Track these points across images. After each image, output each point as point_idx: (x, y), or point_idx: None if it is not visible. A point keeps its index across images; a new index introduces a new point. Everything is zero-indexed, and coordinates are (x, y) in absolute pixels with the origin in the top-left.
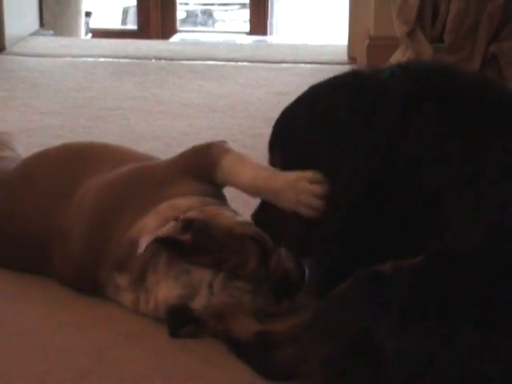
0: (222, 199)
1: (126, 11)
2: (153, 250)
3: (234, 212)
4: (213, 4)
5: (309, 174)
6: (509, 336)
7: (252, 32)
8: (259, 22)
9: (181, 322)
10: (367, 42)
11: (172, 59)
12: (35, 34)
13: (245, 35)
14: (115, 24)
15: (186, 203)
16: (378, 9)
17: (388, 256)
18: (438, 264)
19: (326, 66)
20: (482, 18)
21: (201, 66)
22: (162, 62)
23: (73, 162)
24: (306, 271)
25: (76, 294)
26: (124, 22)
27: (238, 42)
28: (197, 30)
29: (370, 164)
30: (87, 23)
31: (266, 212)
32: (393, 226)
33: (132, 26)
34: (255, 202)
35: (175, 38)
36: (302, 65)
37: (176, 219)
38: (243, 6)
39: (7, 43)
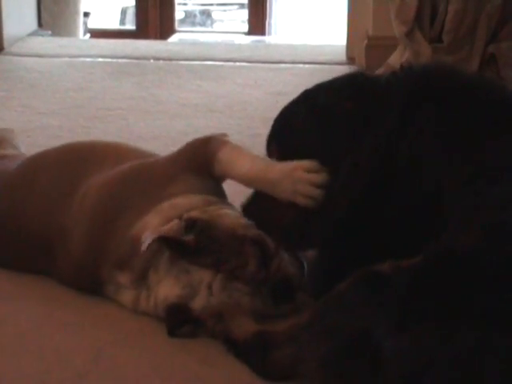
0: (222, 196)
1: (124, 11)
2: (155, 248)
3: (236, 210)
4: (211, 4)
5: (305, 163)
6: (508, 336)
7: (250, 32)
8: (258, 22)
9: (179, 321)
10: (366, 42)
11: (170, 59)
12: (33, 34)
13: (243, 35)
14: (113, 24)
15: (186, 202)
16: (377, 9)
17: (387, 256)
18: (437, 264)
19: (324, 66)
20: (480, 18)
21: (199, 66)
22: (161, 62)
23: (74, 161)
24: (306, 269)
25: (75, 293)
26: (122, 22)
27: (237, 42)
28: (195, 30)
29: (369, 164)
30: (85, 23)
31: (258, 203)
32: (392, 225)
33: (130, 26)
34: None
35: (173, 38)
36: (301, 65)
37: (179, 218)
38: (242, 6)
39: (5, 43)
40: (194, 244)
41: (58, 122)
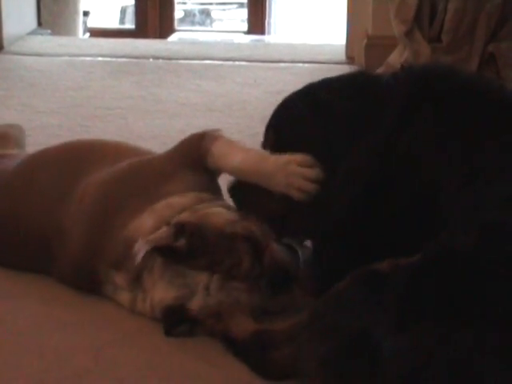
0: (217, 191)
1: (123, 10)
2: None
3: (227, 206)
4: (211, 3)
5: (299, 157)
6: (506, 336)
7: (250, 31)
8: (257, 21)
9: (176, 321)
10: (365, 41)
11: (170, 58)
12: (33, 33)
13: (243, 34)
14: (113, 23)
15: (181, 202)
16: (376, 8)
17: (385, 255)
18: (435, 263)
19: (323, 65)
20: (479, 17)
21: (199, 65)
22: (160, 61)
23: (73, 160)
24: (301, 258)
25: (74, 292)
26: (122, 21)
27: (236, 41)
28: (195, 29)
29: (368, 164)
30: (85, 22)
31: (245, 185)
32: (390, 225)
33: (130, 25)
34: None
35: (173, 38)
36: (300, 64)
37: (168, 224)
38: (241, 5)
39: (5, 42)
40: (185, 249)
41: (57, 121)
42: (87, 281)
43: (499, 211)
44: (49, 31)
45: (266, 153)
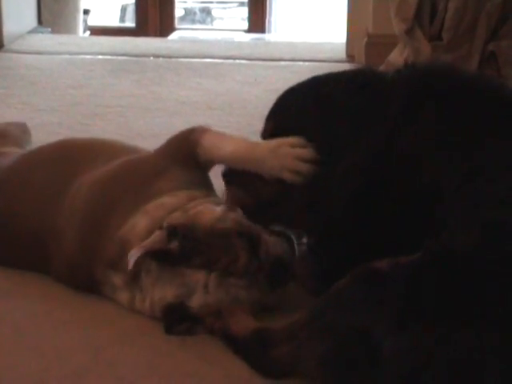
0: (209, 186)
1: (124, 9)
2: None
3: (218, 201)
4: (211, 2)
5: (291, 139)
6: (507, 335)
7: (250, 30)
8: (257, 19)
9: (176, 319)
10: (365, 39)
11: (170, 57)
12: (33, 31)
13: (243, 33)
14: (113, 22)
15: (173, 201)
16: (377, 7)
17: (386, 253)
18: (435, 262)
19: (324, 63)
20: (480, 16)
21: (199, 63)
22: (160, 59)
23: (67, 159)
24: (296, 248)
25: (73, 291)
26: (122, 19)
27: (236, 39)
28: (195, 27)
29: (368, 161)
30: (85, 21)
31: (238, 171)
32: (390, 223)
33: (130, 23)
34: None
35: (173, 36)
36: (300, 63)
37: (160, 228)
38: (241, 3)
39: (5, 41)
40: (178, 251)
41: (57, 119)
42: (84, 281)
43: (500, 210)
44: (49, 29)
45: (257, 141)
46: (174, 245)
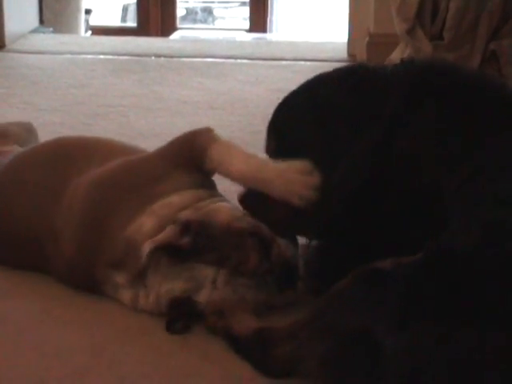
0: (212, 187)
1: (125, 8)
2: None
3: (226, 201)
4: (213, 1)
5: (299, 164)
6: (507, 335)
7: (252, 29)
8: (259, 19)
9: (181, 313)
10: (367, 39)
11: (172, 56)
12: (35, 31)
13: (244, 32)
14: (115, 21)
15: (180, 200)
16: (378, 6)
17: (387, 253)
18: (436, 262)
19: (325, 63)
20: (481, 15)
21: (200, 63)
22: (162, 59)
23: (62, 159)
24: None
25: (74, 291)
26: (124, 19)
27: (238, 39)
28: (196, 27)
29: (368, 161)
30: (87, 20)
31: (254, 195)
32: (391, 223)
33: (132, 23)
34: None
35: (175, 36)
36: (302, 62)
37: (174, 222)
38: (243, 3)
39: (7, 40)
40: (190, 247)
41: (59, 119)
42: (84, 281)
43: (500, 210)
44: (51, 29)
45: (266, 159)
46: (186, 240)
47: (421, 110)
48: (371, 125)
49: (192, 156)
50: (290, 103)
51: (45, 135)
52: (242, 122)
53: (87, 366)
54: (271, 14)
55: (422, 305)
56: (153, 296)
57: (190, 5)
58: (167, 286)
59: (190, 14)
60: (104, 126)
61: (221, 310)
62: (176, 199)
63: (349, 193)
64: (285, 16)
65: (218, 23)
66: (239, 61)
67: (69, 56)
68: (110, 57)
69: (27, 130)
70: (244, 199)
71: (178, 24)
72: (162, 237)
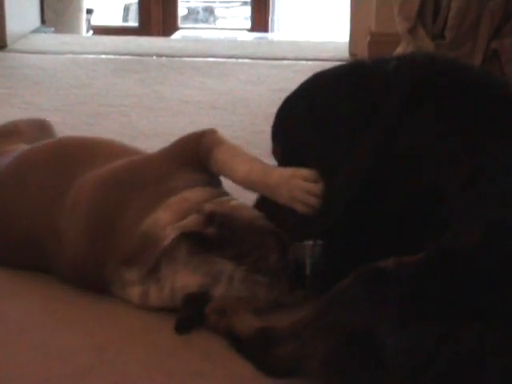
0: (219, 185)
1: (127, 8)
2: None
3: (235, 199)
4: (214, 1)
5: (303, 171)
6: (508, 334)
7: (253, 29)
8: (260, 18)
9: (196, 308)
10: (369, 38)
11: (173, 56)
12: (36, 31)
13: (246, 32)
14: (116, 21)
15: (196, 196)
16: (380, 5)
17: (389, 253)
18: (438, 262)
19: (327, 62)
20: (483, 14)
21: (202, 62)
22: (164, 58)
23: (65, 159)
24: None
25: (77, 290)
26: (125, 19)
27: (240, 38)
28: (198, 26)
29: (369, 162)
30: (88, 20)
31: (267, 203)
32: (393, 224)
33: (133, 23)
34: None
35: (176, 35)
36: (304, 62)
37: (197, 212)
38: (244, 3)
39: (8, 40)
40: (215, 237)
41: (61, 119)
42: (90, 279)
43: (501, 210)
44: (52, 29)
45: (270, 165)
46: (211, 231)
47: (421, 110)
48: (372, 126)
49: (197, 156)
50: (290, 107)
51: None
52: (244, 121)
53: (89, 366)
54: (273, 14)
55: (423, 304)
56: (167, 289)
57: (192, 4)
58: (183, 279)
59: (192, 14)
60: (106, 125)
61: (222, 308)
62: (191, 194)
63: (351, 194)
64: (286, 15)
65: (219, 23)
66: (241, 60)
67: (70, 56)
68: (112, 56)
69: (39, 128)
70: (260, 203)
71: (180, 24)
72: (186, 224)
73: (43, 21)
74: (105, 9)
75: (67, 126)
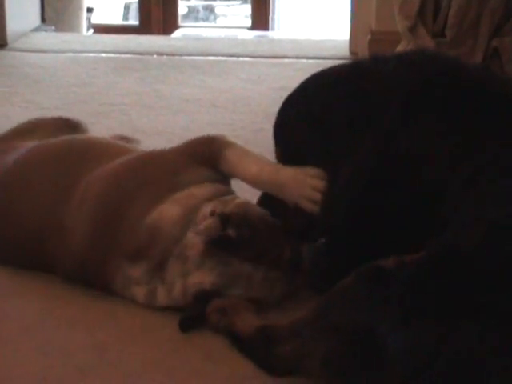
0: (227, 184)
1: (127, 7)
2: (175, 237)
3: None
4: None
5: (311, 170)
6: (508, 334)
7: (253, 27)
8: (261, 17)
9: (206, 306)
10: (369, 36)
11: (173, 55)
12: (37, 29)
13: (246, 30)
14: (117, 19)
15: (202, 192)
16: (380, 4)
17: (389, 252)
18: (440, 261)
19: (327, 61)
20: (483, 12)
21: (202, 61)
22: (164, 57)
23: (71, 157)
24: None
25: (78, 290)
26: (126, 17)
27: (240, 37)
28: (198, 25)
29: (370, 163)
30: (89, 19)
31: (270, 201)
32: (393, 223)
33: (134, 21)
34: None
35: (177, 34)
36: (304, 60)
37: (211, 215)
38: (245, 1)
39: (9, 39)
40: (236, 240)
41: None
42: (95, 276)
43: (502, 209)
44: (52, 28)
45: (279, 164)
46: (233, 233)
47: (421, 110)
48: (372, 126)
49: (208, 156)
50: (290, 107)
51: None
52: (244, 120)
53: (90, 365)
54: (273, 12)
55: (424, 304)
56: (178, 288)
57: (192, 3)
58: (197, 278)
59: (192, 12)
60: (106, 124)
61: (223, 307)
62: (198, 190)
63: (352, 194)
64: (287, 14)
65: (219, 21)
66: (241, 59)
67: (71, 54)
68: (112, 55)
69: (59, 126)
70: (263, 202)
71: (180, 22)
72: (205, 227)
73: (43, 19)
74: (105, 7)
75: None
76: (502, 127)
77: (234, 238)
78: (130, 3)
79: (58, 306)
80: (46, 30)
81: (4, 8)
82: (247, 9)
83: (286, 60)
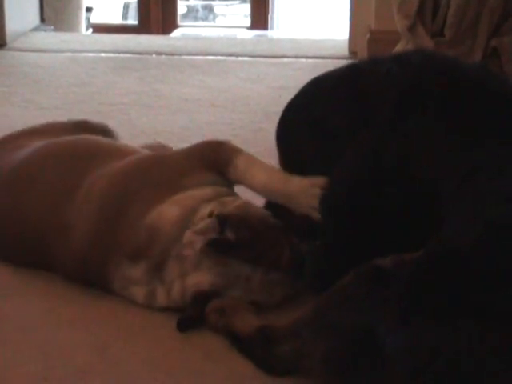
0: (231, 187)
1: (126, 6)
2: (174, 237)
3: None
4: None
5: (320, 180)
6: (508, 334)
7: (253, 27)
8: (260, 16)
9: (204, 307)
10: (368, 36)
11: (173, 54)
12: (36, 29)
13: (245, 30)
14: (116, 19)
15: (202, 194)
16: (379, 3)
17: (388, 252)
18: (438, 259)
19: (326, 60)
20: (482, 12)
21: (201, 60)
22: (163, 57)
23: (77, 157)
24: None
25: (79, 289)
26: (125, 17)
27: (239, 36)
28: (197, 24)
29: (368, 163)
30: (88, 18)
31: (274, 206)
32: (391, 222)
33: (133, 21)
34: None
35: (176, 33)
36: (303, 59)
37: (209, 216)
38: (244, 0)
39: (8, 39)
40: (235, 241)
41: (60, 118)
42: (95, 275)
43: (500, 208)
44: (52, 27)
45: (288, 174)
46: (231, 235)
47: (419, 110)
48: (369, 127)
49: (214, 161)
50: (290, 112)
51: None
52: (243, 119)
53: (90, 365)
54: (272, 11)
55: (423, 303)
56: (177, 288)
57: (191, 2)
58: (195, 278)
59: (191, 12)
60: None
61: (222, 308)
62: (198, 192)
63: (350, 194)
64: (286, 13)
65: (218, 21)
66: (240, 58)
67: (70, 54)
68: (111, 55)
69: (78, 129)
70: (269, 205)
71: (179, 22)
72: (203, 228)
73: (43, 19)
74: (104, 7)
75: None
76: (500, 126)
77: (231, 240)
78: (129, 3)
79: (58, 305)
80: (45, 30)
81: (3, 8)
82: (246, 8)
83: (286, 59)
